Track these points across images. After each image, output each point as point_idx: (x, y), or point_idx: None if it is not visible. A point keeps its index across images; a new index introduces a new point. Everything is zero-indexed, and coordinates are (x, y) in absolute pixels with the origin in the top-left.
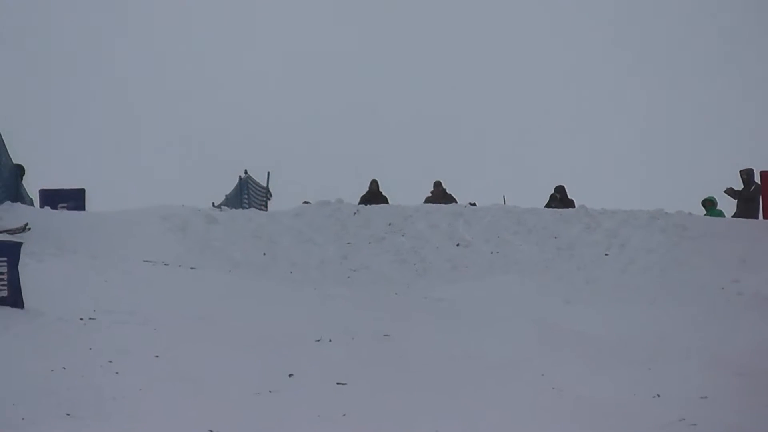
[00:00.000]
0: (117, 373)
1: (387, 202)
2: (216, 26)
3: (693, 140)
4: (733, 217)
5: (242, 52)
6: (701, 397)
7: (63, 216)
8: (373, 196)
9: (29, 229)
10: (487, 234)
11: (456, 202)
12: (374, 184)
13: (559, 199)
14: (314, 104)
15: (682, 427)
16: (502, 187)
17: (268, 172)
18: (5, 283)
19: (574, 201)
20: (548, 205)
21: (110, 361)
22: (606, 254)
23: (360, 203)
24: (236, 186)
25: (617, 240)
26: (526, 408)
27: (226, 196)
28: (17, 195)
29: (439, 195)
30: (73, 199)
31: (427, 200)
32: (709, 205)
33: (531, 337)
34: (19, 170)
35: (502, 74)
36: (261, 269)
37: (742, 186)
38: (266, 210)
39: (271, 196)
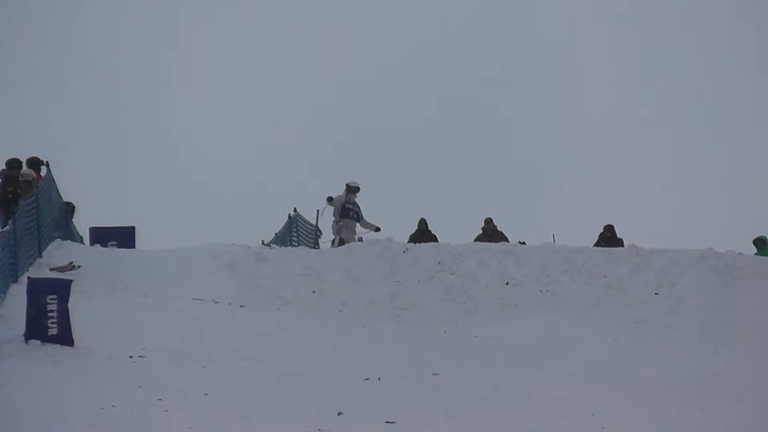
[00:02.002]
0: (167, 411)
1: (436, 240)
2: (267, 60)
3: (743, 178)
4: None
5: (294, 87)
6: None
7: (113, 254)
8: (422, 234)
9: (77, 267)
10: (536, 273)
11: (507, 239)
12: (423, 222)
13: (609, 237)
14: (363, 142)
15: None
16: (551, 226)
17: (318, 210)
18: (55, 320)
19: (624, 240)
20: (597, 244)
21: (160, 399)
22: (656, 293)
23: (409, 242)
24: (285, 224)
25: (667, 279)
26: None
27: (275, 234)
28: (67, 233)
29: (490, 231)
30: (123, 237)
31: (478, 238)
32: (761, 244)
33: (580, 377)
34: (70, 208)
35: (552, 109)
36: (310, 307)
37: None
38: (317, 248)
39: (321, 233)
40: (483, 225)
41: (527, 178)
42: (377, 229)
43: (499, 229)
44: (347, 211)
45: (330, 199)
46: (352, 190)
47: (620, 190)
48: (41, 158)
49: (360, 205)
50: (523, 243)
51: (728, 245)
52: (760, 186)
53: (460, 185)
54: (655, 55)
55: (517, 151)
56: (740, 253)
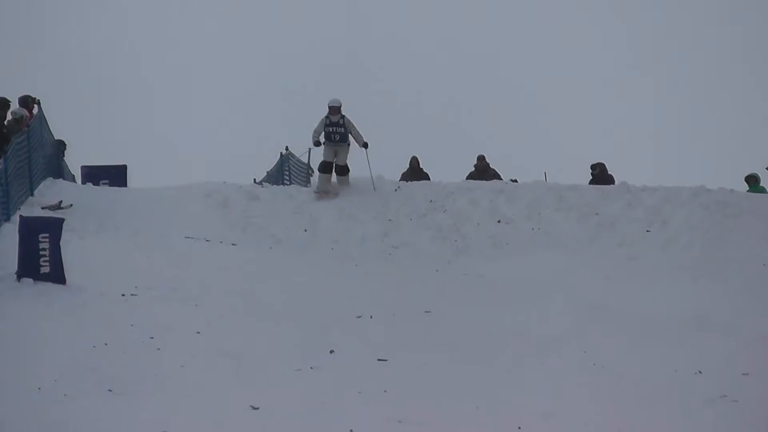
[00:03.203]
0: (159, 349)
1: (428, 179)
2: (255, 6)
3: (735, 116)
4: None
5: (282, 29)
6: (743, 374)
7: (105, 192)
8: (414, 172)
9: (68, 206)
10: (528, 211)
11: (499, 176)
12: (414, 160)
13: (599, 174)
14: (355, 80)
15: (723, 403)
16: (543, 164)
17: (309, 149)
18: (47, 259)
19: (614, 177)
20: (592, 182)
21: (152, 338)
22: (647, 231)
23: (401, 180)
24: (277, 162)
25: (659, 217)
26: (568, 384)
27: (267, 172)
28: (59, 171)
29: (482, 168)
30: (115, 176)
31: (470, 175)
32: (753, 181)
33: (572, 314)
34: (61, 146)
35: (544, 51)
36: (302, 246)
37: None
38: (308, 186)
39: (313, 172)
40: (475, 162)
41: (519, 117)
42: (365, 144)
43: (491, 166)
44: (328, 134)
45: (318, 143)
46: (331, 110)
47: (612, 129)
48: (33, 96)
49: (346, 118)
50: (515, 181)
51: (720, 182)
52: (751, 123)
53: (453, 123)
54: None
55: (509, 89)
56: (732, 191)
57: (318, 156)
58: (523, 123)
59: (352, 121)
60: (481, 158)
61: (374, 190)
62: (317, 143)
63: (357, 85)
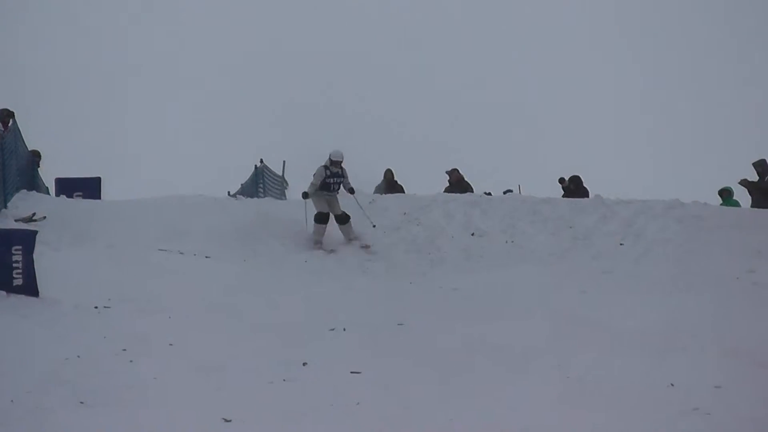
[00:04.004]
0: (131, 361)
1: (402, 191)
2: (229, 16)
3: (709, 130)
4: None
5: (254, 41)
6: (715, 387)
7: (79, 204)
8: (389, 185)
9: (42, 218)
10: (502, 224)
11: (472, 189)
12: (389, 173)
13: (573, 189)
14: (329, 93)
15: (696, 416)
16: (516, 177)
17: (284, 161)
18: (20, 271)
19: (589, 190)
20: (565, 195)
21: (125, 350)
22: (621, 244)
23: (375, 192)
24: (252, 175)
25: (633, 230)
26: (542, 397)
27: (241, 185)
28: (33, 183)
29: (455, 180)
30: (89, 188)
31: (447, 189)
32: (726, 195)
33: (546, 327)
34: (36, 156)
35: (516, 63)
36: (276, 259)
37: (757, 177)
38: (284, 199)
39: (287, 185)
40: (449, 177)
41: (493, 130)
42: (351, 190)
43: (465, 180)
44: (328, 185)
45: (306, 195)
46: (334, 163)
47: (586, 141)
48: (9, 110)
49: (344, 170)
50: (489, 194)
51: (693, 196)
52: (725, 137)
53: (427, 136)
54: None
55: (483, 102)
56: (705, 204)
57: (290, 168)
58: (497, 136)
59: (347, 170)
60: (454, 171)
61: (374, 227)
62: (305, 195)
63: (330, 97)
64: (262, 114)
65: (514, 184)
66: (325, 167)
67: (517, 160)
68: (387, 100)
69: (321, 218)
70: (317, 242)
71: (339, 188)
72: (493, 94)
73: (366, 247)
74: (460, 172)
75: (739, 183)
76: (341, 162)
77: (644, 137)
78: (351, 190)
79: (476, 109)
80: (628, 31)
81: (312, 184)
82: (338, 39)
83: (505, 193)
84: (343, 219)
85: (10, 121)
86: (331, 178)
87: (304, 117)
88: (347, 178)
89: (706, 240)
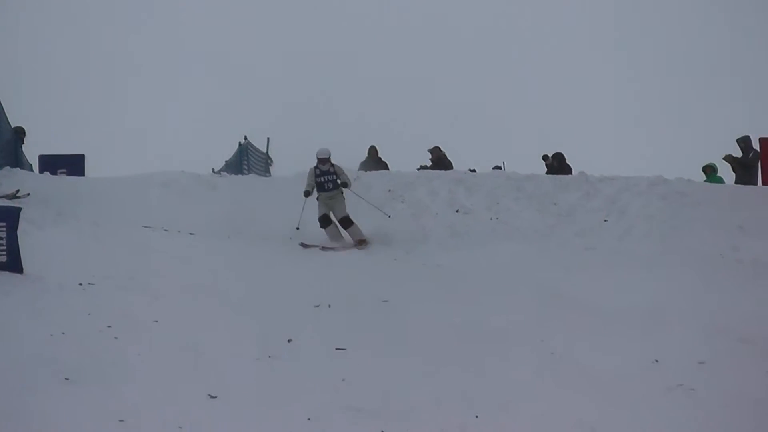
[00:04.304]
0: (116, 338)
1: (387, 168)
2: None
3: (693, 107)
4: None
5: (242, 17)
6: (699, 363)
7: (62, 181)
8: (373, 161)
9: (25, 195)
10: (486, 201)
11: (452, 167)
12: (373, 149)
13: (557, 166)
14: (314, 69)
15: (680, 392)
16: (501, 154)
17: (268, 138)
18: (4, 248)
19: (572, 167)
20: (549, 172)
21: (109, 327)
22: (605, 221)
23: (359, 169)
24: (236, 152)
25: (616, 206)
26: (525, 374)
27: (225, 162)
28: (16, 160)
29: (436, 158)
30: (73, 165)
31: (425, 166)
32: (710, 171)
33: (530, 304)
34: (20, 133)
35: (499, 39)
36: (261, 236)
37: (741, 154)
38: (268, 175)
39: (272, 161)
40: (430, 156)
41: (478, 107)
42: (344, 184)
43: (447, 158)
44: (320, 184)
45: (307, 194)
46: (320, 161)
47: (570, 118)
48: None
49: (336, 165)
50: (474, 171)
51: (677, 173)
52: (709, 113)
53: (411, 113)
54: None
55: (467, 78)
56: (689, 180)
57: (274, 144)
58: (482, 113)
59: (342, 167)
60: (435, 149)
61: (389, 217)
62: (307, 193)
63: (315, 71)
64: (246, 91)
65: (497, 161)
66: (315, 167)
67: (499, 137)
68: (370, 79)
69: (321, 221)
70: (330, 244)
71: (334, 186)
72: (474, 72)
73: (361, 242)
74: (442, 149)
75: (723, 159)
76: (328, 159)
77: (628, 114)
78: (344, 184)
79: (458, 87)
80: (612, 7)
81: (308, 184)
82: (321, 16)
83: (494, 169)
84: (345, 222)
85: None
86: (322, 177)
87: (289, 93)
88: (342, 173)
89: (690, 216)
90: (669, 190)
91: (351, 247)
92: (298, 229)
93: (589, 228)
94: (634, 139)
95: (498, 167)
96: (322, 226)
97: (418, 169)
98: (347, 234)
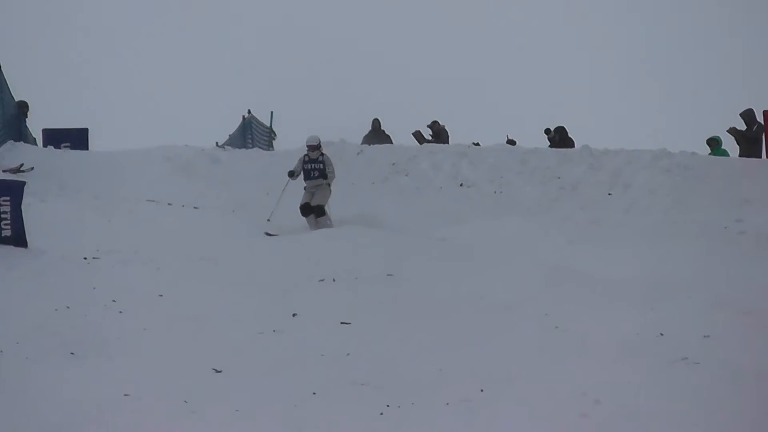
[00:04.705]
0: (121, 312)
1: (390, 140)
2: None
3: (697, 80)
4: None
5: None
6: (704, 336)
7: (66, 155)
8: (376, 134)
9: (28, 169)
10: (490, 174)
11: (448, 141)
12: (376, 122)
13: (558, 140)
14: (317, 42)
15: (685, 365)
16: (505, 128)
17: (272, 112)
18: (9, 222)
19: (574, 141)
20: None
21: (114, 301)
22: (609, 194)
23: (363, 142)
24: (239, 126)
25: (620, 180)
26: (530, 348)
27: (229, 135)
28: (20, 134)
29: (437, 131)
30: (76, 139)
31: (419, 134)
32: (714, 144)
33: (534, 277)
34: (24, 107)
35: (505, 13)
36: (264, 210)
37: (745, 127)
38: (271, 149)
39: (275, 135)
40: (430, 128)
41: (481, 80)
42: (324, 176)
43: (446, 131)
44: (307, 172)
45: (291, 173)
46: (309, 148)
47: (573, 91)
48: None
49: (325, 155)
50: (477, 144)
51: (682, 146)
52: (713, 86)
53: (414, 87)
54: None
55: (469, 51)
56: (693, 154)
57: (278, 118)
58: (486, 86)
59: (330, 158)
60: (435, 123)
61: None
62: (292, 173)
63: (319, 44)
64: (250, 64)
65: (501, 135)
66: (305, 154)
67: (503, 110)
68: (374, 50)
69: (301, 210)
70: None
71: (320, 175)
72: (479, 43)
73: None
74: (440, 123)
75: (728, 132)
76: (317, 146)
77: (632, 87)
78: (325, 175)
79: (460, 59)
80: None
81: (295, 167)
82: None
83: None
84: (319, 211)
85: None
86: (309, 164)
87: (293, 66)
88: (328, 166)
89: (694, 190)
90: (673, 164)
91: None
92: (269, 221)
93: (593, 201)
94: (638, 112)
95: (512, 141)
96: (303, 215)
97: (413, 134)
98: (318, 222)
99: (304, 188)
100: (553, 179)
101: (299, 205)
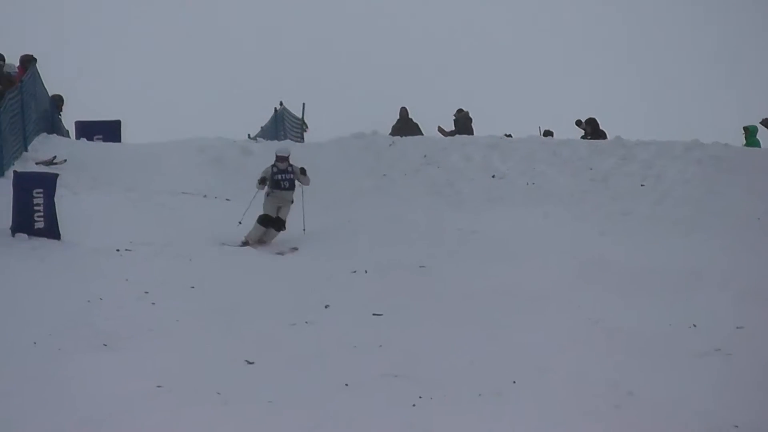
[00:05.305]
0: (153, 303)
1: (419, 129)
2: None
3: (731, 69)
4: None
5: None
6: (737, 328)
7: (99, 148)
8: (404, 123)
9: (61, 161)
10: (522, 166)
11: (472, 132)
12: (404, 111)
13: (590, 132)
14: (347, 37)
15: (718, 356)
16: (537, 119)
17: (303, 104)
18: (42, 214)
19: (606, 133)
20: (584, 137)
21: (146, 292)
22: (642, 185)
23: (391, 132)
24: (272, 117)
25: (652, 171)
26: (562, 339)
27: (261, 127)
28: (53, 126)
29: (462, 120)
30: (109, 131)
31: (441, 130)
32: (748, 133)
33: (566, 269)
34: (59, 101)
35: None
36: (296, 200)
37: None
38: (302, 141)
39: (307, 127)
40: (455, 115)
41: (510, 72)
42: (304, 181)
43: (470, 117)
44: (277, 182)
45: (262, 181)
46: (278, 158)
47: (605, 83)
48: (31, 55)
49: (293, 166)
50: (509, 136)
51: (715, 137)
52: (748, 76)
53: (444, 79)
54: None
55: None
56: (726, 145)
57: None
58: (516, 78)
59: (298, 169)
60: (459, 111)
61: (303, 231)
62: (263, 180)
63: (350, 37)
64: (282, 56)
65: (533, 127)
66: (273, 165)
67: (534, 102)
68: (403, 42)
69: (264, 220)
70: (248, 242)
71: (290, 186)
72: (507, 34)
73: (294, 249)
74: (464, 110)
75: (761, 123)
76: (287, 158)
77: (664, 78)
78: (293, 187)
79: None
80: None
81: (262, 177)
82: None
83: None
84: (279, 225)
85: (30, 66)
86: (280, 175)
87: (325, 59)
88: (299, 174)
89: (727, 181)
90: (705, 155)
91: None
92: (240, 223)
93: (625, 193)
94: (671, 103)
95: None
96: (261, 223)
97: (438, 129)
98: (267, 234)
99: (267, 195)
100: (585, 170)
101: (262, 214)
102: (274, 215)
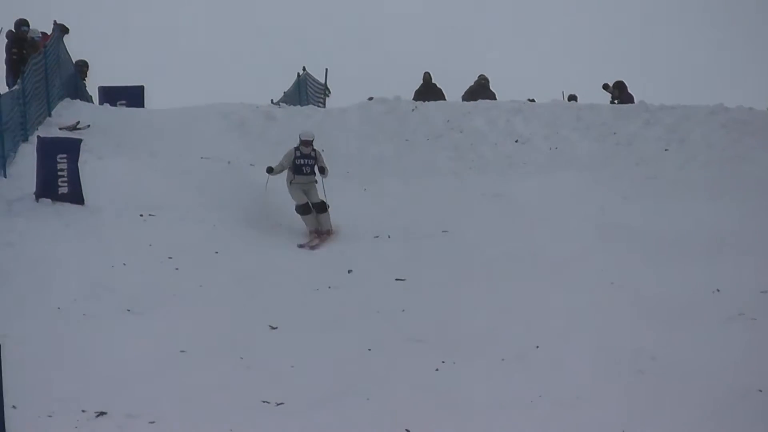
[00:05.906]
0: (177, 269)
1: (442, 93)
2: None
3: (755, 34)
4: None
5: None
6: (761, 292)
7: (122, 113)
8: (427, 87)
9: (84, 127)
10: (545, 130)
11: (495, 96)
12: (427, 75)
13: (618, 95)
14: (371, 1)
15: (741, 321)
16: (560, 83)
17: (326, 69)
18: (66, 179)
19: (634, 96)
20: (612, 101)
21: (170, 258)
22: (666, 150)
23: (414, 96)
24: (294, 83)
25: (676, 135)
26: (585, 304)
27: (284, 93)
28: (77, 92)
29: (482, 87)
30: (132, 96)
31: (467, 92)
32: None
33: (589, 233)
34: (84, 66)
35: None
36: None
37: None
38: (324, 107)
39: (329, 92)
40: (476, 81)
41: (539, 34)
42: (322, 169)
43: (489, 85)
44: (299, 167)
45: (270, 170)
46: (303, 143)
47: (627, 47)
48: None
49: (317, 150)
50: (533, 100)
51: (739, 101)
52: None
53: (467, 41)
54: None
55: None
56: (750, 109)
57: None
58: (539, 43)
59: (322, 155)
60: (481, 77)
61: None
62: (270, 170)
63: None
64: (305, 20)
65: (556, 91)
66: (296, 148)
67: (557, 67)
68: (427, 6)
69: (301, 209)
70: (311, 232)
71: (311, 171)
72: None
73: (313, 247)
74: (485, 77)
75: None
76: (311, 142)
77: (689, 40)
78: (321, 170)
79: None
80: None
81: (279, 163)
82: None
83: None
84: (320, 207)
85: (54, 32)
86: (302, 159)
87: (347, 24)
88: (321, 160)
89: (751, 145)
90: (729, 119)
91: (323, 240)
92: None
93: (649, 157)
94: (695, 67)
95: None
96: (301, 214)
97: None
98: (318, 220)
99: (291, 183)
100: (609, 135)
101: (296, 206)
102: (303, 202)
